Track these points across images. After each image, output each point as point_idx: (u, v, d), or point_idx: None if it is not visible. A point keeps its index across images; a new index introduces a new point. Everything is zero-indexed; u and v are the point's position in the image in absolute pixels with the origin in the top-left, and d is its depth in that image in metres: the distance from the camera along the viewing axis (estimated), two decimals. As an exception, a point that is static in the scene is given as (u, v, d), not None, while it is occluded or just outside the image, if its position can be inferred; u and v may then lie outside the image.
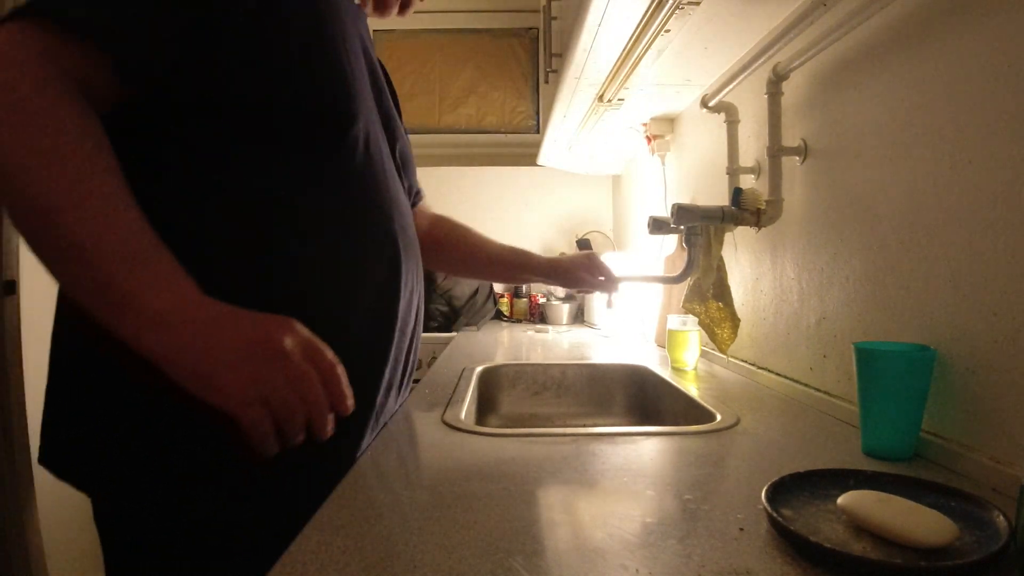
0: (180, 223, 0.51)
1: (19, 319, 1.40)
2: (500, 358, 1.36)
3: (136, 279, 0.46)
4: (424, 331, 1.99)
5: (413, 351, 0.75)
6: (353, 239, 0.64)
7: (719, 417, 0.80)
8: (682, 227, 1.10)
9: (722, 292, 1.09)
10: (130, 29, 0.49)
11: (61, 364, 0.60)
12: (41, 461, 0.61)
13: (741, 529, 0.45)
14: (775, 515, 0.44)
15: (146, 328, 0.46)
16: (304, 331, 0.50)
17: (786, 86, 0.96)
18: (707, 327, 1.11)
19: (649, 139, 1.60)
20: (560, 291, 2.35)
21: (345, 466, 0.60)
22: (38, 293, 1.65)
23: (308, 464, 0.56)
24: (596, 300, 2.12)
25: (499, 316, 2.38)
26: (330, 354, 0.50)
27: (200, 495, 0.57)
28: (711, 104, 1.13)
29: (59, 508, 1.67)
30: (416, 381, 1.07)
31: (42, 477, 1.46)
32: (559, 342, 1.71)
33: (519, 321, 2.37)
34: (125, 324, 0.46)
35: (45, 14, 0.47)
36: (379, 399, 0.69)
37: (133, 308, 0.46)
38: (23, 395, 1.39)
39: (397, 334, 0.69)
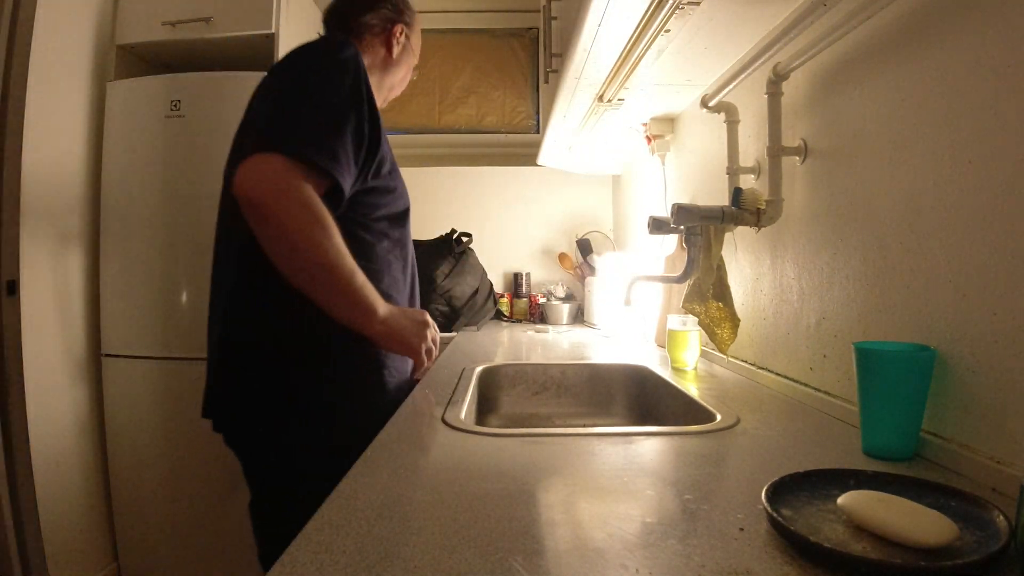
0: None
1: (19, 319, 1.40)
2: (500, 358, 1.36)
3: (370, 300, 0.87)
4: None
5: None
6: (411, 271, 1.09)
7: (719, 417, 0.80)
8: (682, 227, 1.10)
9: (722, 292, 1.09)
10: (346, 168, 0.85)
11: (229, 345, 0.94)
12: (205, 415, 0.97)
13: (741, 529, 0.45)
14: (775, 515, 0.44)
15: (378, 324, 0.88)
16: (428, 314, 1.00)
17: (786, 86, 0.96)
18: (707, 327, 1.11)
19: (649, 139, 1.60)
20: (560, 291, 2.35)
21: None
22: (38, 293, 1.65)
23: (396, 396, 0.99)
24: (596, 300, 2.12)
25: (499, 316, 2.38)
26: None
27: (323, 430, 0.91)
28: (711, 104, 1.13)
29: (59, 507, 1.67)
30: (416, 381, 1.07)
31: (41, 476, 1.46)
32: (559, 342, 1.71)
33: (519, 321, 2.37)
34: (367, 324, 0.88)
35: (301, 158, 0.80)
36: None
37: (371, 315, 0.88)
38: (23, 395, 1.39)
39: None
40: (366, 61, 1.04)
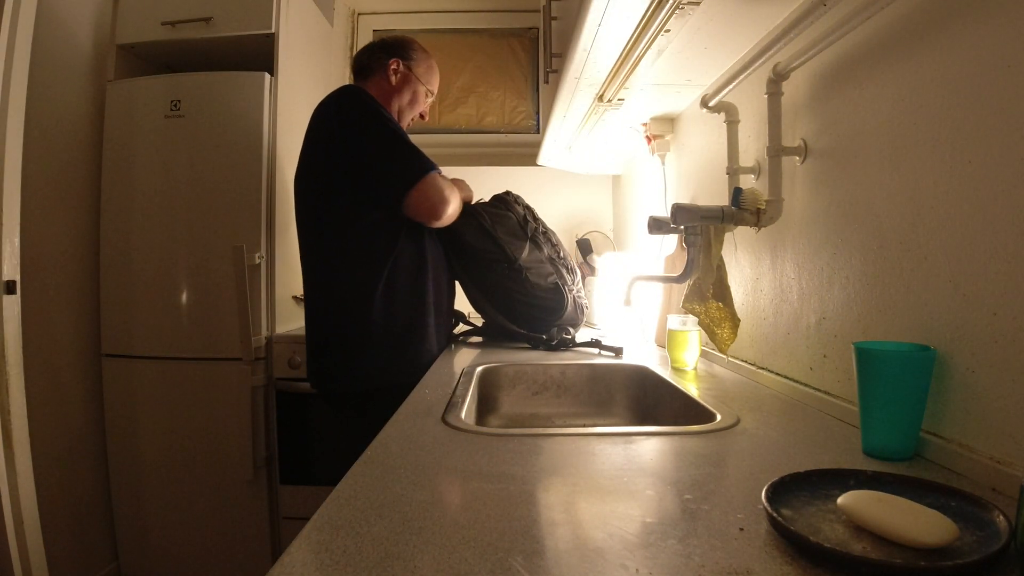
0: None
1: (19, 319, 1.40)
2: (500, 358, 1.35)
3: (461, 195, 1.46)
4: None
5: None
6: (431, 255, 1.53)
7: (719, 417, 0.80)
8: (682, 227, 1.10)
9: (722, 292, 1.08)
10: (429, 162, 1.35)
11: (318, 323, 1.39)
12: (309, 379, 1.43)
13: (741, 529, 0.45)
14: (775, 515, 0.44)
15: (468, 196, 1.57)
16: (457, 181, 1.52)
17: (786, 86, 0.96)
18: (707, 327, 1.11)
19: (649, 139, 1.60)
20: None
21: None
22: (38, 293, 1.65)
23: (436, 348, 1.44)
24: (596, 300, 2.12)
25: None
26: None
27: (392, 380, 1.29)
28: (711, 104, 1.13)
29: (59, 507, 1.67)
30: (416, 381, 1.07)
31: (41, 476, 1.46)
32: (559, 342, 1.70)
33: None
34: (468, 199, 1.56)
35: (435, 169, 1.33)
36: (444, 322, 1.53)
37: (460, 197, 1.45)
38: (23, 395, 1.39)
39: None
40: (377, 90, 1.45)
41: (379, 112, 1.32)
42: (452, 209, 1.34)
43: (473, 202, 1.56)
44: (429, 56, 1.54)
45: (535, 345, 1.50)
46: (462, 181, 1.56)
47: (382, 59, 1.47)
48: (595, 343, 1.45)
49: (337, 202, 1.32)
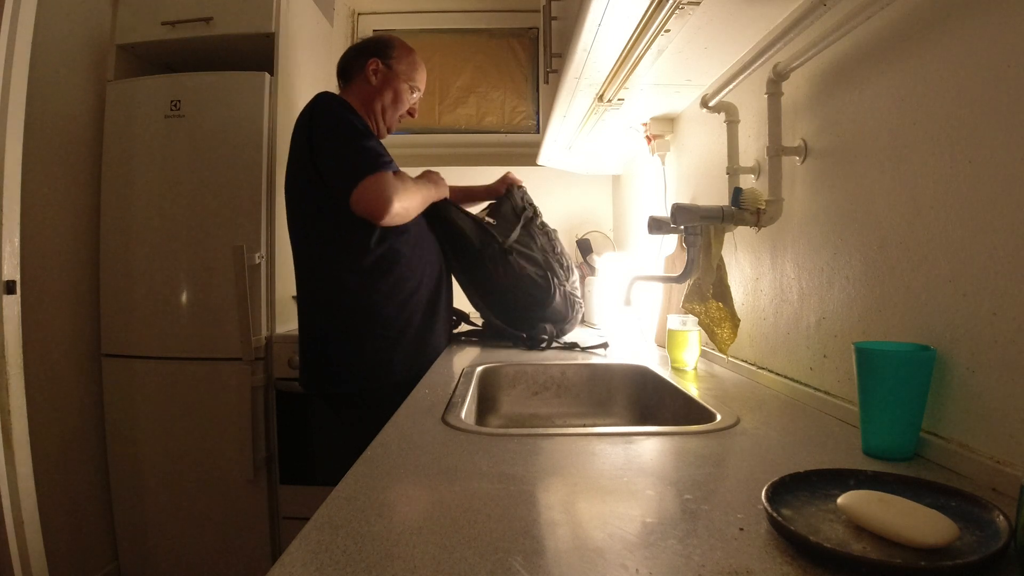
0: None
1: (19, 319, 1.39)
2: (500, 358, 1.35)
3: (430, 192, 1.44)
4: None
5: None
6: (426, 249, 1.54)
7: (719, 417, 0.80)
8: (682, 227, 1.10)
9: (722, 292, 1.08)
10: (385, 157, 1.32)
11: (314, 327, 1.41)
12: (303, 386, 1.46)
13: (741, 529, 0.45)
14: (775, 515, 0.44)
15: (442, 193, 1.51)
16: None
17: (786, 86, 0.96)
18: (707, 327, 1.11)
19: (649, 139, 1.60)
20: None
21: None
22: (38, 293, 1.65)
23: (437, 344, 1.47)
24: (596, 300, 2.12)
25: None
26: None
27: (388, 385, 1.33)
28: (711, 104, 1.13)
29: (59, 507, 1.67)
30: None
31: (41, 476, 1.46)
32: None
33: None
34: (440, 195, 1.50)
35: (384, 168, 1.29)
36: (441, 321, 1.51)
37: (436, 193, 1.48)
38: (23, 395, 1.39)
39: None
40: (359, 92, 1.47)
41: (340, 115, 1.33)
42: (397, 208, 1.27)
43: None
44: (412, 52, 1.53)
45: (515, 343, 1.52)
46: (434, 174, 1.53)
47: (361, 60, 1.47)
48: (573, 345, 1.48)
49: (312, 205, 1.34)
